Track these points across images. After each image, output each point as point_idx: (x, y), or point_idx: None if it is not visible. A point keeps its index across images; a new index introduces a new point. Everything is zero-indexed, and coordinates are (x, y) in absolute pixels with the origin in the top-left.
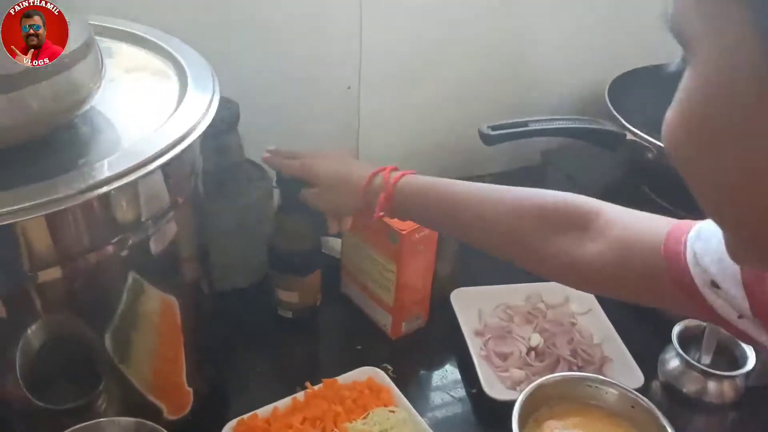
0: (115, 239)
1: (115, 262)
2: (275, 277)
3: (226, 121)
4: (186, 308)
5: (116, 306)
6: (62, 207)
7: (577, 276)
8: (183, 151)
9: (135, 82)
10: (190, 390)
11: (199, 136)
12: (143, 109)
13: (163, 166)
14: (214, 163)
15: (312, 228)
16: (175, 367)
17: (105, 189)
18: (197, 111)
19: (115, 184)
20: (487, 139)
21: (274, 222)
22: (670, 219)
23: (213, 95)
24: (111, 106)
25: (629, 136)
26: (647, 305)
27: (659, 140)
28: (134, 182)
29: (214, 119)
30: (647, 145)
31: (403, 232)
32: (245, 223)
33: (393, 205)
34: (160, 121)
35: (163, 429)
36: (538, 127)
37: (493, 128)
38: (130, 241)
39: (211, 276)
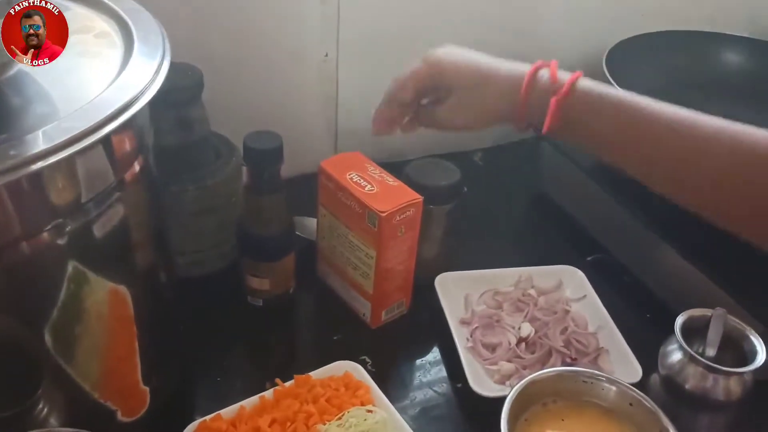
0: (51, 225)
1: (52, 251)
2: (245, 263)
3: (188, 91)
4: (140, 299)
5: (55, 300)
6: None
7: None
8: (127, 122)
9: (75, 46)
10: (147, 389)
11: (146, 105)
12: (83, 76)
13: (103, 140)
14: (177, 138)
15: (284, 209)
16: (128, 365)
17: (37, 166)
18: (143, 77)
19: (49, 160)
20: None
21: (242, 203)
22: None
23: (162, 60)
24: (46, 73)
25: None
26: None
27: None
28: (70, 158)
29: (173, 88)
30: None
31: (383, 214)
32: (212, 205)
33: (566, 113)
34: (100, 89)
35: None
36: None
37: None
38: (69, 227)
39: (173, 263)
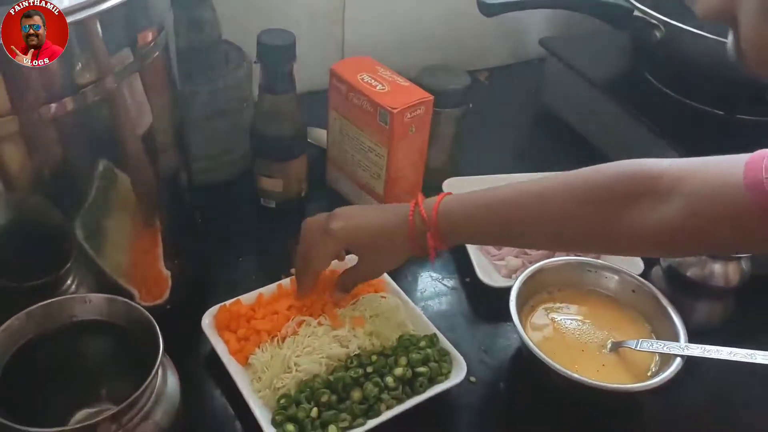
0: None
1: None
2: (258, 165)
3: None
4: (162, 196)
5: (86, 195)
6: None
7: (659, 243)
8: None
9: None
10: (168, 278)
11: None
12: None
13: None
14: (188, 40)
15: (297, 109)
16: (151, 256)
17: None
18: None
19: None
20: (485, 9)
21: (256, 104)
22: (742, 155)
23: None
24: None
25: (636, 13)
26: (739, 254)
27: (668, 17)
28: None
29: None
30: (655, 22)
31: (394, 111)
32: (224, 108)
33: (444, 238)
34: None
35: (135, 304)
36: None
37: None
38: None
39: (191, 165)
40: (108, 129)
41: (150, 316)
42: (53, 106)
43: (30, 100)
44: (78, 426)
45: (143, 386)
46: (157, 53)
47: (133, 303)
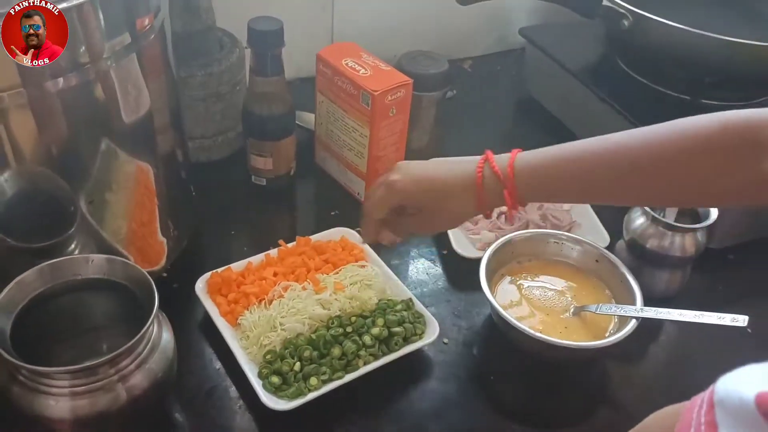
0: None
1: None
2: (250, 144)
3: None
4: (160, 170)
5: (90, 168)
6: None
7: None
8: None
9: None
10: (165, 246)
11: None
12: None
13: None
14: (184, 25)
15: (286, 91)
16: (149, 226)
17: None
18: None
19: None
20: None
21: (248, 87)
22: None
23: None
24: None
25: (605, 2)
26: None
27: (635, 6)
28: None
29: None
30: (623, 11)
31: (375, 93)
32: (218, 91)
33: (521, 196)
34: None
35: (134, 264)
36: None
37: None
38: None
39: (187, 144)
40: (108, 106)
41: (146, 273)
42: (59, 80)
43: (37, 74)
44: (79, 367)
45: (139, 334)
46: (153, 36)
47: (130, 262)
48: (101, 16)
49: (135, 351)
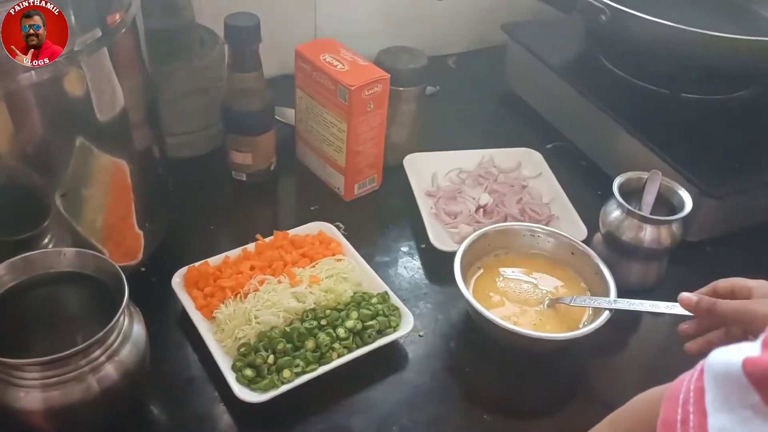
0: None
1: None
2: (229, 140)
3: None
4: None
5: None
6: None
7: None
8: None
9: None
10: (141, 241)
11: None
12: None
13: None
14: (164, 22)
15: (264, 86)
16: (125, 221)
17: None
18: None
19: None
20: None
21: (226, 83)
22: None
23: None
24: None
25: None
26: None
27: (612, 1)
28: None
29: None
30: (600, 6)
31: (352, 88)
32: (200, 86)
33: None
34: None
35: (106, 257)
36: None
37: None
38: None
39: (164, 140)
40: (81, 101)
41: (117, 267)
42: (32, 74)
43: (9, 68)
44: (50, 358)
45: (109, 326)
46: (124, 30)
47: (101, 255)
48: (71, 11)
49: (105, 342)
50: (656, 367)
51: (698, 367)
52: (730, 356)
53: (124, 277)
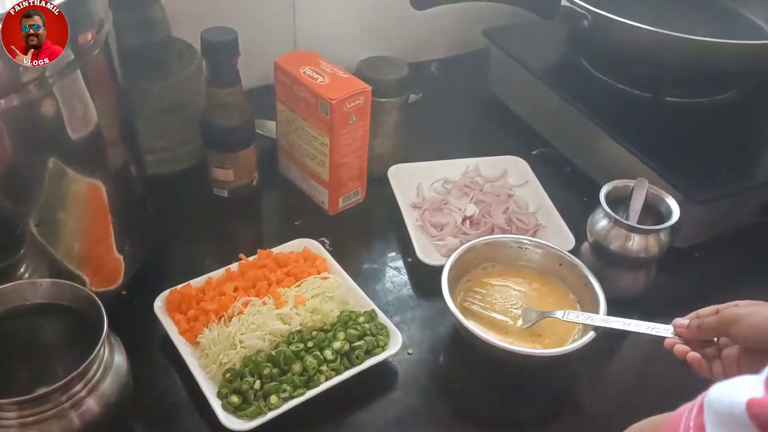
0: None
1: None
2: (210, 156)
3: None
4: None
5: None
6: None
7: None
8: None
9: None
10: (122, 264)
11: None
12: None
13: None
14: (140, 38)
15: (243, 100)
16: (103, 244)
17: None
18: None
19: None
20: (417, 3)
21: (204, 98)
22: None
23: None
24: None
25: (564, 2)
26: None
27: (594, 6)
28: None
29: None
30: (582, 11)
31: (333, 102)
32: (178, 102)
33: None
34: None
35: (80, 287)
36: None
37: None
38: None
39: (142, 158)
40: (54, 125)
41: (94, 296)
42: (0, 101)
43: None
44: (29, 397)
45: (88, 360)
46: (97, 51)
47: (78, 285)
48: None
49: (86, 376)
50: (645, 376)
51: (697, 401)
52: (733, 395)
53: (102, 307)
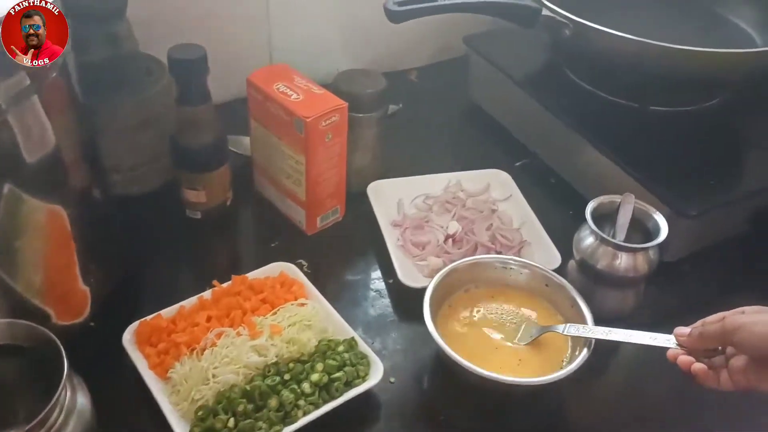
0: None
1: None
2: (181, 177)
3: (110, 7)
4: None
5: None
6: None
7: None
8: None
9: None
10: (87, 294)
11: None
12: None
13: None
14: (106, 53)
15: (214, 119)
16: (66, 274)
17: None
18: None
19: None
20: (393, 16)
21: (174, 117)
22: None
23: None
24: None
25: (545, 11)
26: None
27: (575, 15)
28: None
29: (97, 3)
30: (563, 20)
31: (308, 120)
32: (148, 117)
33: None
34: None
35: (40, 327)
36: (449, 2)
37: (400, 3)
38: None
39: (107, 180)
40: (8, 149)
41: (53, 336)
42: None
43: None
44: None
45: (48, 405)
46: (55, 74)
47: (35, 325)
48: None
49: (46, 423)
50: (637, 396)
51: None
52: None
53: (62, 349)
